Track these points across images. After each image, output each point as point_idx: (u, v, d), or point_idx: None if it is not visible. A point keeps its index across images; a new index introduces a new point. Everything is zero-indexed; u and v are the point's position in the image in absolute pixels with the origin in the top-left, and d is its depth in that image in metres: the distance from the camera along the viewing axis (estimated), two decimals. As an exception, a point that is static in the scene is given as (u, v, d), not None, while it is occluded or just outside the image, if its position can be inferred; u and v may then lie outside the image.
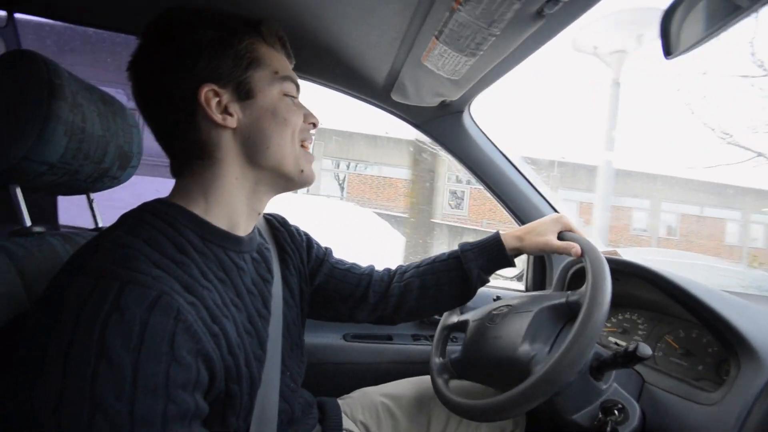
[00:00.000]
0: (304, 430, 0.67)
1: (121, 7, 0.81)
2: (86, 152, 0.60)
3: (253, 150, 0.52)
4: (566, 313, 0.66)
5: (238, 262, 0.54)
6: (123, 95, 0.74)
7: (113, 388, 0.35)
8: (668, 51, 0.55)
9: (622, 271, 0.80)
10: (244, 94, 0.51)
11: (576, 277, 0.85)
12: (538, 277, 1.12)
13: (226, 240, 0.52)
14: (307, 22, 0.75)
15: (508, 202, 1.05)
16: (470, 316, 0.83)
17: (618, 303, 0.89)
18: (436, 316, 1.00)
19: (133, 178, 0.76)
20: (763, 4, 0.46)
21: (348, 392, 0.89)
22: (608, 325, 0.89)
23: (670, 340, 0.77)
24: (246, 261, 0.56)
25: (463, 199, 9.11)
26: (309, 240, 0.77)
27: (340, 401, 0.83)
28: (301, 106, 0.58)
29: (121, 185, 0.75)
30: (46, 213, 0.79)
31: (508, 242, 0.77)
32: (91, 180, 0.65)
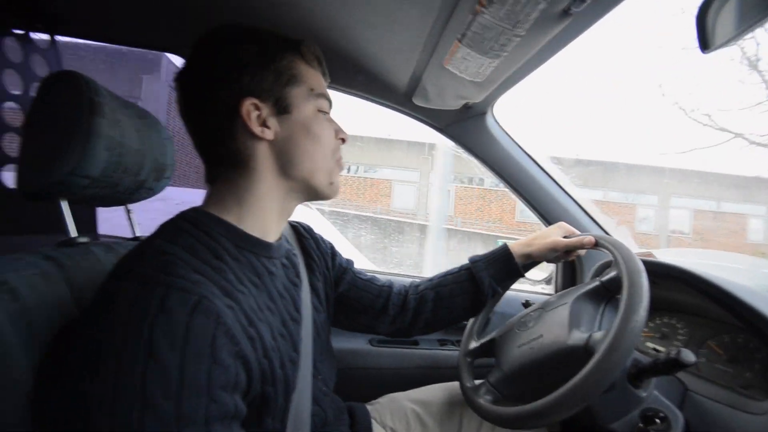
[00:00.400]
0: None
1: (156, 26, 0.85)
2: (125, 166, 0.62)
3: (286, 162, 0.54)
4: (604, 294, 0.67)
5: (270, 268, 0.55)
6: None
7: (161, 386, 0.36)
8: (705, 45, 0.53)
9: (659, 273, 0.77)
10: (282, 108, 0.53)
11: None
12: (568, 280, 1.09)
13: (258, 246, 0.54)
14: (332, 33, 0.77)
15: (535, 204, 1.03)
16: (494, 334, 0.79)
17: (655, 307, 0.86)
18: (464, 322, 0.99)
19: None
20: None
21: (375, 397, 0.89)
22: (645, 330, 0.86)
23: (713, 345, 0.73)
24: (276, 266, 0.57)
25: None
26: (333, 248, 0.79)
27: (368, 407, 0.83)
28: (333, 122, 0.60)
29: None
30: (86, 223, 0.83)
31: (516, 251, 0.79)
32: (129, 192, 0.68)
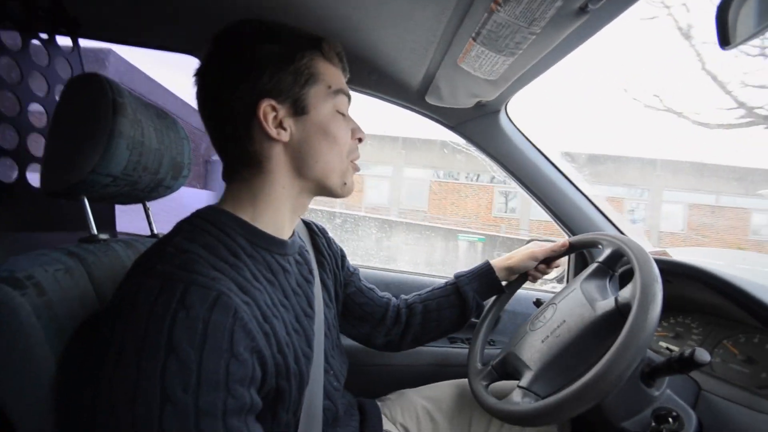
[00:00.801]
0: (348, 430, 0.68)
1: (179, 29, 0.86)
2: (145, 164, 0.64)
3: (301, 163, 0.55)
4: (605, 272, 0.71)
5: (284, 265, 0.56)
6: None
7: (181, 381, 0.37)
8: (725, 41, 0.52)
9: (673, 272, 0.77)
10: (300, 109, 0.53)
11: (624, 276, 0.81)
12: (580, 279, 1.09)
13: (273, 244, 0.55)
14: (346, 33, 0.77)
15: (549, 203, 1.03)
16: (506, 350, 0.74)
17: (669, 306, 0.85)
18: (473, 319, 0.99)
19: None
20: None
21: (385, 393, 0.90)
22: (659, 329, 0.85)
23: (729, 345, 0.73)
24: (290, 263, 0.58)
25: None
26: (343, 252, 0.81)
27: (378, 402, 0.84)
28: (350, 121, 0.60)
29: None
30: (105, 220, 0.85)
31: (498, 265, 0.85)
32: (148, 190, 0.70)
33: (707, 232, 8.81)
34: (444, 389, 0.88)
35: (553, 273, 1.16)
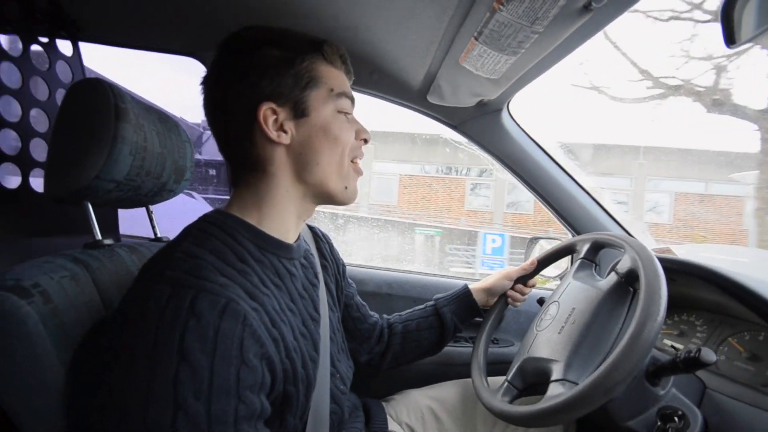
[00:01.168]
0: None
1: (180, 31, 0.86)
2: (147, 169, 0.64)
3: (303, 166, 0.55)
4: (590, 262, 0.76)
5: (290, 269, 0.56)
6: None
7: (192, 388, 0.37)
8: (731, 40, 0.52)
9: (677, 270, 0.76)
10: (300, 112, 0.53)
11: (603, 263, 0.81)
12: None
13: (280, 248, 0.55)
14: (347, 33, 0.77)
15: (551, 201, 1.02)
16: (517, 363, 0.71)
17: (674, 304, 0.85)
18: (477, 318, 0.99)
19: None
20: None
21: (390, 393, 0.90)
22: (664, 327, 0.85)
23: (734, 342, 0.73)
24: (296, 267, 0.58)
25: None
26: (343, 261, 0.82)
27: (384, 403, 0.85)
28: (354, 122, 0.59)
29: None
30: (108, 225, 0.85)
31: (475, 288, 0.89)
32: (151, 194, 0.70)
33: (696, 222, 8.26)
34: (448, 388, 0.89)
35: (557, 271, 1.16)
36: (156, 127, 0.66)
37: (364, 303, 0.85)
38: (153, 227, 0.78)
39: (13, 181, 0.73)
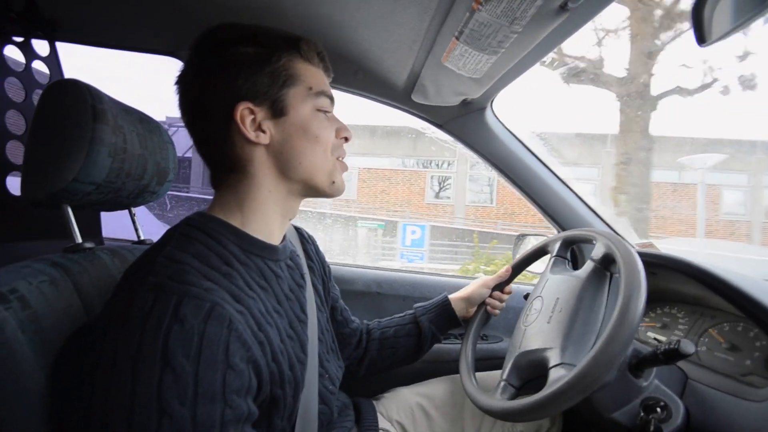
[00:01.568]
0: (341, 431, 0.68)
1: (156, 29, 0.85)
2: (128, 171, 0.63)
3: (284, 165, 0.54)
4: (562, 258, 0.79)
5: (276, 270, 0.56)
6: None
7: (177, 394, 0.37)
8: (701, 39, 0.53)
9: (658, 264, 0.78)
10: (278, 111, 0.52)
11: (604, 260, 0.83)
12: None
13: (264, 249, 0.54)
14: (330, 32, 0.77)
15: (536, 198, 1.04)
16: (512, 360, 0.70)
17: (656, 297, 0.87)
18: (457, 328, 0.93)
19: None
20: None
21: (382, 392, 0.90)
22: (646, 320, 0.87)
23: (714, 333, 0.74)
24: (282, 268, 0.58)
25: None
26: (328, 264, 0.81)
27: (374, 401, 0.85)
28: (334, 121, 0.59)
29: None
30: (90, 228, 0.83)
31: (455, 297, 0.89)
32: (133, 196, 0.69)
33: (668, 212, 7.98)
34: (437, 385, 0.89)
35: (543, 266, 1.17)
36: (136, 128, 0.65)
37: (346, 307, 0.85)
38: (136, 230, 0.77)
39: (-10, 185, 0.72)
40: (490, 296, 0.89)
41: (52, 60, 0.80)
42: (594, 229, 0.75)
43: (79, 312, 0.54)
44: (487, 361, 1.01)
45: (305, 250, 0.73)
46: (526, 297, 0.92)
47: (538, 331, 0.68)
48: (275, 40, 0.53)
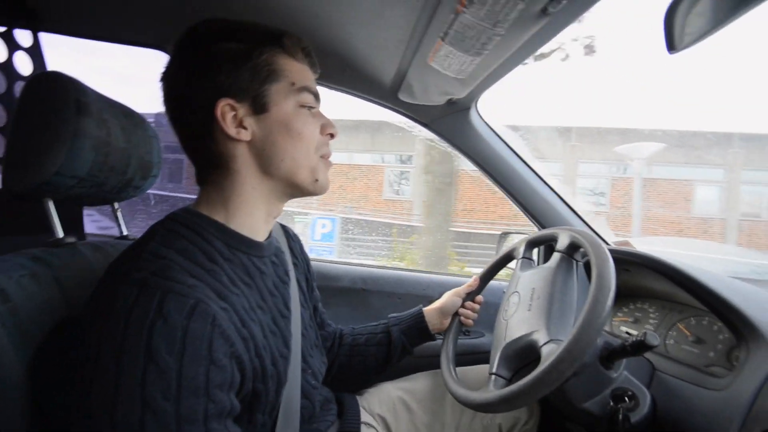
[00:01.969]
0: (324, 425, 0.69)
1: (143, 22, 0.84)
2: (111, 165, 0.63)
3: (267, 162, 0.54)
4: (528, 258, 0.83)
5: (260, 267, 0.56)
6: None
7: (161, 389, 0.37)
8: (672, 46, 0.55)
9: (632, 261, 0.81)
10: (260, 107, 0.52)
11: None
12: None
13: (250, 246, 0.55)
14: (318, 30, 0.77)
15: (518, 197, 1.06)
16: (494, 356, 0.71)
17: (629, 293, 0.91)
18: (429, 341, 0.92)
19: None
20: None
21: (364, 387, 0.92)
22: (620, 315, 0.91)
23: (682, 327, 0.78)
24: (266, 264, 0.58)
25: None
26: (309, 261, 0.81)
27: (357, 396, 0.86)
28: (320, 117, 0.58)
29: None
30: (72, 222, 0.82)
31: (429, 309, 0.89)
32: (116, 190, 0.69)
33: (633, 209, 7.29)
34: (419, 380, 0.91)
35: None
36: (120, 122, 0.65)
37: (324, 311, 0.85)
38: (119, 225, 0.77)
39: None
40: (462, 306, 0.88)
41: (35, 51, 0.79)
42: (554, 228, 0.79)
43: (60, 306, 0.54)
44: (470, 356, 1.04)
45: (291, 248, 0.74)
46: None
47: (520, 320, 0.69)
48: (257, 35, 0.53)
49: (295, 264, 0.72)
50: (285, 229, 0.76)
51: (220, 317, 0.42)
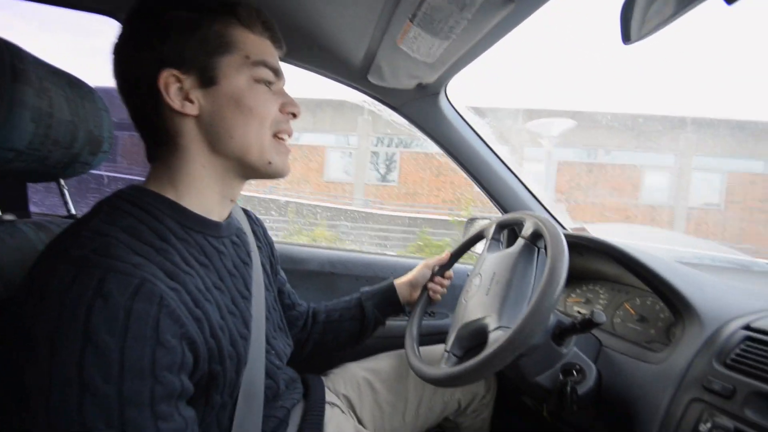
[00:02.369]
0: (289, 403, 0.70)
1: None
2: (55, 138, 0.58)
3: (215, 138, 0.51)
4: (497, 240, 0.85)
5: (218, 247, 0.55)
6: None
7: (100, 371, 0.36)
8: (627, 37, 0.57)
9: (586, 246, 0.86)
10: (207, 80, 0.49)
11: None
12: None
13: (205, 226, 0.53)
14: (284, 4, 0.74)
15: (484, 183, 1.09)
16: (458, 328, 0.75)
17: (582, 276, 0.96)
18: (400, 313, 0.97)
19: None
20: None
21: (330, 368, 0.93)
22: (573, 296, 0.96)
23: (628, 307, 0.84)
24: (226, 245, 0.57)
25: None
26: (273, 245, 0.80)
27: (323, 377, 0.87)
28: (281, 94, 0.56)
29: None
30: (16, 201, 0.77)
31: (400, 282, 0.91)
32: (61, 166, 0.64)
33: (581, 195, 7.27)
34: (384, 360, 0.93)
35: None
36: (65, 93, 0.60)
37: (293, 291, 0.85)
38: (66, 203, 0.72)
39: None
40: (431, 280, 0.90)
41: None
42: (524, 212, 0.80)
43: None
44: (434, 336, 1.07)
45: (254, 232, 0.73)
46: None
47: (478, 303, 0.73)
48: (210, 4, 0.50)
49: (259, 247, 0.71)
50: (247, 213, 0.75)
51: (168, 297, 0.41)
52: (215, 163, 0.53)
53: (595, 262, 0.89)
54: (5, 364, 0.38)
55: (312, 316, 0.87)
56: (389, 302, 0.90)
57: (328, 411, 0.75)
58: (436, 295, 0.91)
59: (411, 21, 0.70)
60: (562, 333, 0.67)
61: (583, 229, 1.15)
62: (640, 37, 0.58)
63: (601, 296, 0.91)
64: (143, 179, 0.53)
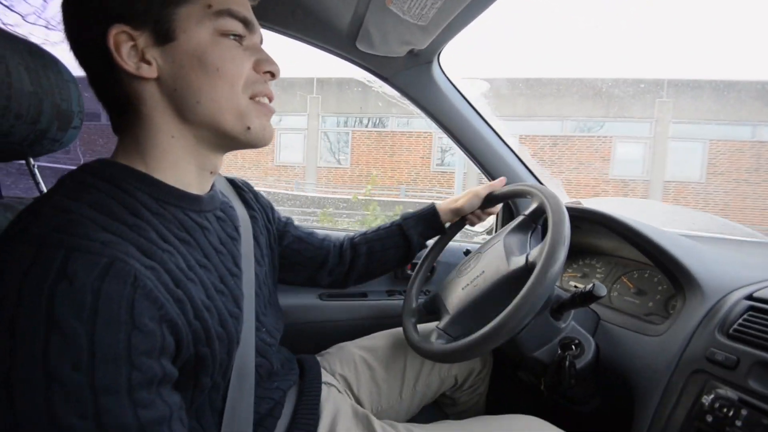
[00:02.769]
0: (286, 384, 0.68)
1: None
2: (17, 112, 0.53)
3: (180, 104, 0.46)
4: (529, 224, 0.75)
5: (201, 222, 0.51)
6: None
7: (69, 358, 0.33)
8: None
9: (582, 218, 0.84)
10: (163, 35, 0.43)
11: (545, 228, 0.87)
12: (507, 229, 1.16)
13: (183, 199, 0.49)
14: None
15: (476, 154, 1.05)
16: (435, 291, 0.82)
17: (579, 250, 0.94)
18: (409, 271, 1.04)
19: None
20: None
21: (325, 348, 0.92)
22: (569, 270, 0.95)
23: (625, 280, 0.83)
24: (210, 220, 0.53)
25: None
26: (271, 204, 0.78)
27: (318, 357, 0.86)
28: (254, 50, 0.49)
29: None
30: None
31: (443, 208, 0.88)
32: (28, 143, 0.59)
33: (545, 171, 6.77)
34: (380, 339, 0.92)
35: (485, 224, 1.22)
36: (24, 61, 0.55)
37: (311, 231, 0.84)
38: (37, 183, 0.68)
39: None
40: (481, 209, 0.89)
41: None
42: (563, 218, 0.62)
43: None
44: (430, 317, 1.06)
45: (244, 200, 0.69)
46: (465, 253, 0.96)
47: (454, 290, 0.74)
48: None
49: (253, 217, 0.67)
50: (232, 182, 0.70)
51: (144, 277, 0.38)
52: (185, 134, 0.47)
53: (592, 235, 0.87)
54: None
55: (353, 249, 0.87)
56: (432, 227, 0.89)
57: (325, 391, 0.74)
58: (474, 222, 0.92)
59: (401, -21, 0.65)
60: (560, 307, 0.66)
61: (579, 203, 1.13)
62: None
63: (598, 270, 0.90)
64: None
